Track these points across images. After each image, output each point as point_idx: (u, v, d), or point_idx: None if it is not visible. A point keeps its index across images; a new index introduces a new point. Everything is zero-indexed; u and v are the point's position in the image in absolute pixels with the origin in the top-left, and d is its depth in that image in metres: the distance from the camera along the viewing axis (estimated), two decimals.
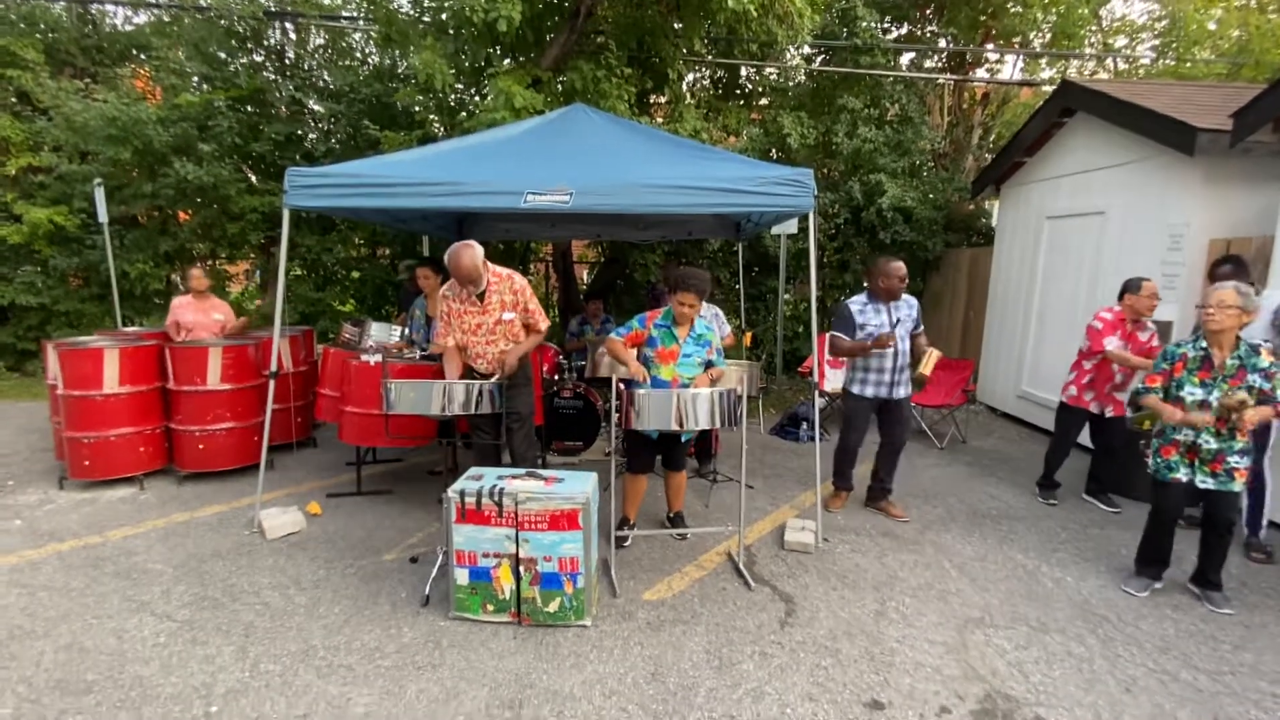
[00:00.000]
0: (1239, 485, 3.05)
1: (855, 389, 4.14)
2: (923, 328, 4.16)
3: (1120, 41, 11.73)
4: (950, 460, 5.57)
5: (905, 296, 4.08)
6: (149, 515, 4.15)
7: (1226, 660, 2.78)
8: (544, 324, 3.77)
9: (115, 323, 7.73)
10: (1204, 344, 3.11)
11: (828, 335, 4.20)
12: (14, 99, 8.63)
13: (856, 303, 4.07)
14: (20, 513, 4.18)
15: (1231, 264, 3.94)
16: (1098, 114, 5.63)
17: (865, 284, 4.20)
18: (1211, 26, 10.88)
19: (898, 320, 4.01)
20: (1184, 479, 3.15)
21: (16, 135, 8.24)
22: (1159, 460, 3.23)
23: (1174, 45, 10.74)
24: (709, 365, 3.64)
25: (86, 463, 4.46)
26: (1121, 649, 2.84)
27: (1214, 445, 3.05)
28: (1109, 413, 4.33)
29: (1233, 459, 3.03)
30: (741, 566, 3.48)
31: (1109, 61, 11.54)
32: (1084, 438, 4.59)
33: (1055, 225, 6.34)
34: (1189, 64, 10.52)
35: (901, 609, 3.15)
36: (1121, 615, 3.12)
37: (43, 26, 9.11)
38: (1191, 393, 3.10)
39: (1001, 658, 2.77)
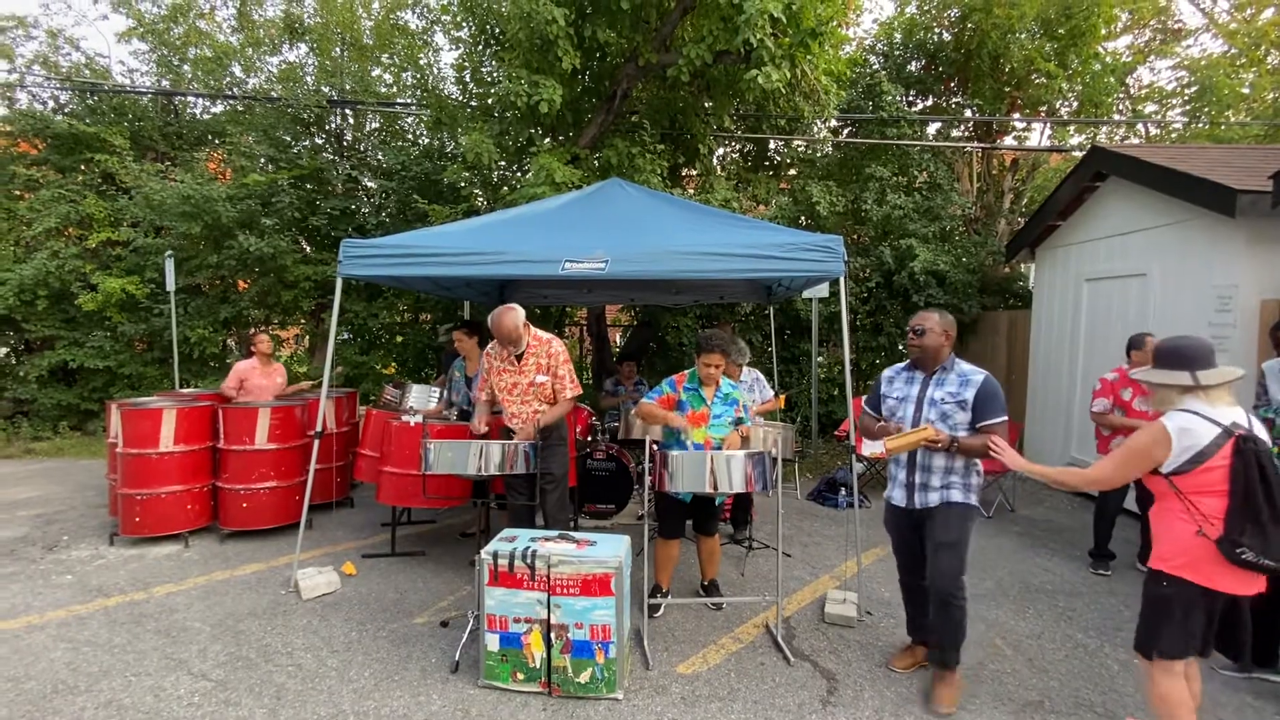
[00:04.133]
0: None
1: (887, 490, 3.12)
2: (997, 421, 2.76)
3: (1150, 108, 11.81)
4: (998, 530, 5.32)
5: (966, 371, 2.93)
6: (192, 572, 4.24)
7: None
8: (569, 392, 3.78)
9: (174, 384, 8.13)
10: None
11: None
12: (100, 179, 9.48)
13: (891, 370, 3.14)
14: (72, 568, 4.32)
15: None
16: (1131, 178, 5.63)
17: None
18: (1245, 90, 10.89)
19: (928, 400, 2.89)
20: None
21: (99, 213, 9.00)
22: None
23: (1206, 110, 10.75)
24: (739, 423, 3.63)
25: (137, 519, 4.61)
26: None
27: None
28: None
29: None
30: (780, 640, 3.34)
31: (1139, 126, 11.59)
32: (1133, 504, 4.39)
33: (1095, 287, 6.25)
34: (1223, 127, 10.50)
35: None
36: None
37: (130, 116, 10.11)
38: None
39: None
